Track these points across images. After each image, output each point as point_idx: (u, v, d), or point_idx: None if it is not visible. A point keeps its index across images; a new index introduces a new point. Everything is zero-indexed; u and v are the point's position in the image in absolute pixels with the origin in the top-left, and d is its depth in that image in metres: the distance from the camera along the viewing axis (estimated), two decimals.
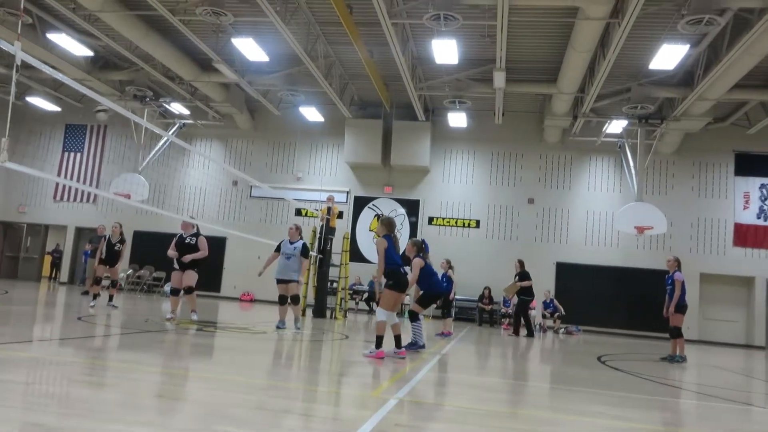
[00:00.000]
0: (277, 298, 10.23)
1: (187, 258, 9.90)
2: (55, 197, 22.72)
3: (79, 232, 22.29)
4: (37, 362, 5.39)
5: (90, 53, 17.24)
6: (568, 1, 11.84)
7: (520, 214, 20.23)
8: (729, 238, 19.21)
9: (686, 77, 15.63)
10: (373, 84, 16.96)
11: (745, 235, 19.08)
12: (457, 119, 19.52)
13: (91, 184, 21.92)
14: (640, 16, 11.52)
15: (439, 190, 20.77)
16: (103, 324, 9.00)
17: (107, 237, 12.26)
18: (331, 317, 14.65)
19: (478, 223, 20.40)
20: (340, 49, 16.24)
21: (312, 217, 19.29)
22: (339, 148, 21.16)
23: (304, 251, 10.13)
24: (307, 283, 14.31)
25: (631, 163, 18.52)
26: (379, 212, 20.73)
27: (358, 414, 4.29)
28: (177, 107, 20.31)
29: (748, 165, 19.26)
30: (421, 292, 9.40)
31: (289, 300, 10.07)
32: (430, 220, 20.63)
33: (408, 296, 12.66)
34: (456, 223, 20.37)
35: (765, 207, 19.10)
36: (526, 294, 14.46)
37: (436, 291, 9.52)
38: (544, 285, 18.84)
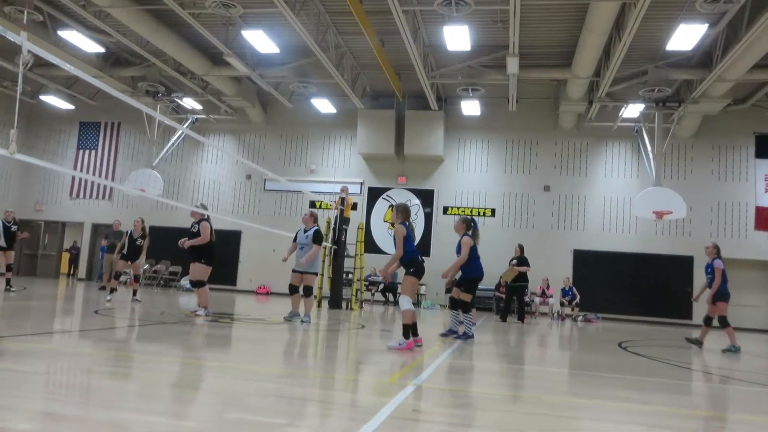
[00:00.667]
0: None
1: (186, 244, 9.53)
2: (71, 194, 22.90)
3: (96, 228, 22.46)
4: (56, 354, 5.39)
5: (101, 50, 17.27)
6: None
7: (536, 202, 20.02)
8: (750, 221, 18.84)
9: (704, 58, 15.28)
10: (385, 73, 16.81)
11: (766, 219, 18.72)
12: (471, 107, 19.32)
13: (106, 180, 22.06)
14: None
15: (453, 179, 20.60)
16: (119, 317, 9.02)
17: (129, 232, 12.25)
18: (347, 308, 14.61)
19: (493, 211, 20.22)
20: (350, 39, 16.12)
21: (326, 208, 19.24)
22: (352, 140, 21.07)
23: (316, 238, 9.74)
24: (322, 275, 14.27)
25: (649, 148, 18.23)
26: (394, 203, 20.62)
27: (376, 400, 4.22)
28: (189, 102, 20.34)
29: None
30: (459, 277, 8.85)
31: (301, 291, 9.76)
32: (445, 209, 20.48)
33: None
34: (471, 212, 20.17)
35: None
36: (522, 280, 14.40)
37: (480, 274, 8.81)
38: (561, 273, 18.68)
